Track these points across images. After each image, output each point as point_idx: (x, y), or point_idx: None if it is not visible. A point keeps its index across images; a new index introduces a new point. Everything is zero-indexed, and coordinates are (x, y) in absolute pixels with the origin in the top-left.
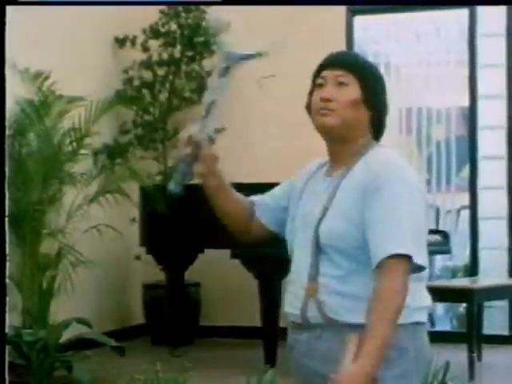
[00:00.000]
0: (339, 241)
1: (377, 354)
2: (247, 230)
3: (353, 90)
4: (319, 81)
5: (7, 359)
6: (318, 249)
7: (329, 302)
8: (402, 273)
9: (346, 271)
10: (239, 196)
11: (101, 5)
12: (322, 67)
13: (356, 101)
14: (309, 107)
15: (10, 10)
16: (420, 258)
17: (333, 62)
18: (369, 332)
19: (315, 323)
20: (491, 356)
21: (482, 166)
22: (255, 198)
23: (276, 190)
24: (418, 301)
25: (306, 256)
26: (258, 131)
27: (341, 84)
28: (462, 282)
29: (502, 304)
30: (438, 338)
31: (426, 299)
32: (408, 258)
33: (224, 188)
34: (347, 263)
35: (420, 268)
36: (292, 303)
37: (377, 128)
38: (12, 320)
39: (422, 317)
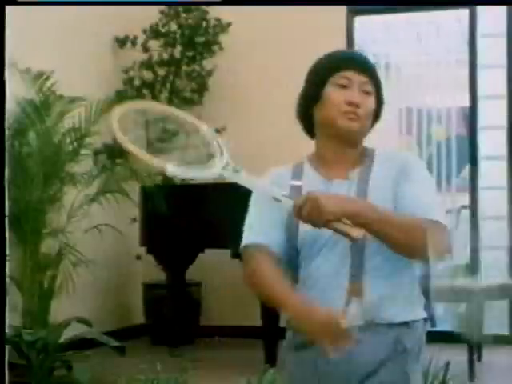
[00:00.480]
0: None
1: (368, 212)
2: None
3: (373, 100)
4: (342, 81)
5: (7, 359)
6: (359, 250)
7: (370, 301)
8: (444, 234)
9: (389, 271)
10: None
11: (101, 5)
12: (345, 66)
13: (374, 111)
14: (313, 98)
15: (10, 10)
16: (443, 219)
17: (359, 65)
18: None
19: (354, 326)
20: (491, 356)
21: (483, 166)
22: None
23: (264, 222)
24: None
25: (341, 259)
26: (258, 131)
27: (366, 92)
28: (463, 281)
29: (502, 304)
30: (438, 337)
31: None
32: (445, 227)
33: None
34: (388, 263)
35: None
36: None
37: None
38: (12, 320)
39: (424, 314)
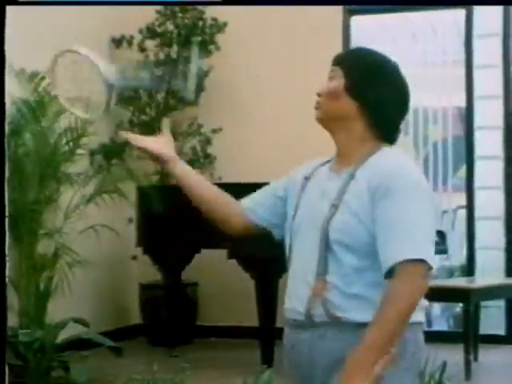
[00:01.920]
0: (349, 238)
1: (377, 347)
2: (230, 224)
3: (336, 81)
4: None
5: (6, 362)
6: (327, 246)
7: (335, 300)
8: (420, 276)
9: (354, 270)
10: (217, 189)
11: (101, 4)
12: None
13: (336, 91)
14: None
15: (7, 10)
16: (431, 260)
17: (333, 59)
18: (374, 328)
19: (319, 322)
20: (488, 356)
21: (479, 166)
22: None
23: (269, 185)
24: (420, 302)
25: (311, 253)
26: (255, 131)
27: (329, 78)
28: (459, 281)
29: (499, 304)
30: (434, 337)
31: (424, 300)
32: (423, 261)
33: (190, 174)
34: (355, 261)
35: (429, 268)
36: (295, 300)
37: (378, 124)
38: (9, 320)
39: (422, 317)
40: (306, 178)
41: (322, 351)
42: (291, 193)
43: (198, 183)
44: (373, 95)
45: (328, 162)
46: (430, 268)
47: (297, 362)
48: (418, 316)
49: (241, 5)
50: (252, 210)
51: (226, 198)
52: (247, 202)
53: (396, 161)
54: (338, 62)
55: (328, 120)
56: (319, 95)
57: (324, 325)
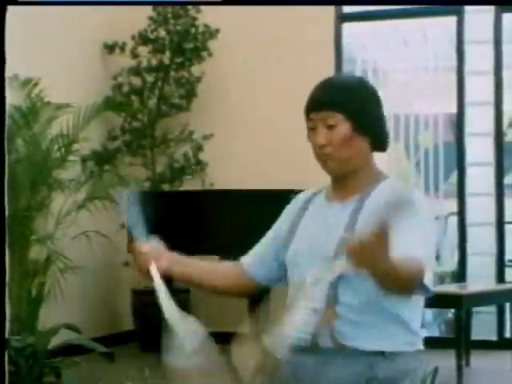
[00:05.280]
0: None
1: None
2: (238, 290)
3: (342, 128)
4: (309, 124)
5: (7, 361)
6: (340, 276)
7: (344, 330)
8: (417, 285)
9: (365, 299)
10: (208, 264)
11: (101, 4)
12: (309, 110)
13: (348, 136)
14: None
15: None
16: (429, 282)
17: (316, 104)
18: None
19: (325, 348)
20: (480, 361)
21: (470, 172)
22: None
23: (263, 239)
24: (422, 330)
25: (316, 284)
26: (246, 138)
27: (330, 127)
28: (451, 287)
29: (490, 310)
30: (426, 343)
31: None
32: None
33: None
34: (367, 291)
35: (427, 292)
36: (300, 327)
37: (379, 142)
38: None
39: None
40: (301, 209)
41: (326, 377)
42: (283, 232)
43: (197, 270)
44: (377, 123)
45: (317, 193)
46: (428, 291)
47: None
48: (419, 345)
49: (240, 5)
50: (253, 274)
51: (223, 271)
52: (248, 266)
53: (404, 186)
54: (335, 108)
55: (345, 165)
56: (323, 146)
57: (329, 351)
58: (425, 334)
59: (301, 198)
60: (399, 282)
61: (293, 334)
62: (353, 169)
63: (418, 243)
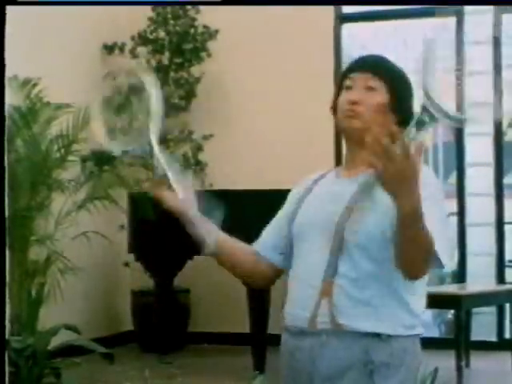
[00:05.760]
0: (369, 240)
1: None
2: (257, 276)
3: (380, 95)
4: (347, 83)
5: (7, 362)
6: (339, 248)
7: (342, 305)
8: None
9: (365, 274)
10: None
11: (101, 4)
12: (351, 69)
13: (383, 105)
14: (334, 109)
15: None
16: (444, 257)
17: (362, 65)
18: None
19: (322, 329)
20: (479, 362)
21: (470, 172)
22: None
23: (274, 220)
24: (423, 315)
25: (319, 256)
26: (246, 138)
27: (369, 88)
28: (450, 288)
29: (490, 310)
30: (426, 344)
31: (426, 313)
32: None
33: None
34: (368, 265)
35: (440, 264)
36: (298, 304)
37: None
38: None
39: (421, 330)
40: (308, 188)
41: (323, 359)
42: (292, 207)
43: (237, 249)
44: (408, 110)
45: (325, 174)
46: (441, 266)
47: (296, 369)
48: (419, 328)
49: (240, 5)
50: (268, 257)
51: (251, 254)
52: (262, 250)
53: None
54: (379, 73)
55: (365, 131)
56: (355, 103)
57: (326, 333)
58: (426, 317)
59: (307, 179)
60: (423, 247)
61: (292, 311)
62: (371, 139)
63: (431, 215)
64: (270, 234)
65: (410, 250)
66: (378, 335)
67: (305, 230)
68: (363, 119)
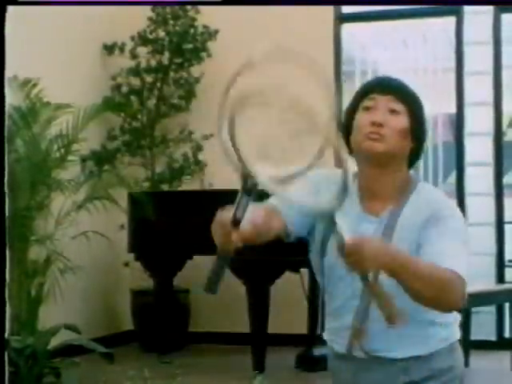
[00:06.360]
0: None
1: (401, 261)
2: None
3: (403, 119)
4: (368, 103)
5: (7, 363)
6: (366, 294)
7: (374, 345)
8: (462, 284)
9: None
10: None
11: (101, 4)
12: (371, 90)
13: (406, 130)
14: (347, 127)
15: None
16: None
17: (384, 86)
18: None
19: (359, 357)
20: (479, 362)
21: (469, 172)
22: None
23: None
24: (456, 320)
25: (351, 293)
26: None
27: (392, 111)
28: None
29: (490, 310)
30: None
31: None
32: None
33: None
34: (398, 304)
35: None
36: (336, 334)
37: (414, 158)
38: None
39: (458, 335)
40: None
41: (365, 380)
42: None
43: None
44: (424, 136)
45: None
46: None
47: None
48: (454, 335)
49: (240, 5)
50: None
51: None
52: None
53: (438, 193)
54: (402, 97)
55: (390, 156)
56: (380, 125)
57: (364, 360)
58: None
59: (329, 179)
60: (433, 287)
61: (330, 336)
62: (393, 164)
63: (456, 253)
64: (295, 208)
65: (419, 295)
66: (417, 357)
67: (334, 267)
68: (387, 143)
